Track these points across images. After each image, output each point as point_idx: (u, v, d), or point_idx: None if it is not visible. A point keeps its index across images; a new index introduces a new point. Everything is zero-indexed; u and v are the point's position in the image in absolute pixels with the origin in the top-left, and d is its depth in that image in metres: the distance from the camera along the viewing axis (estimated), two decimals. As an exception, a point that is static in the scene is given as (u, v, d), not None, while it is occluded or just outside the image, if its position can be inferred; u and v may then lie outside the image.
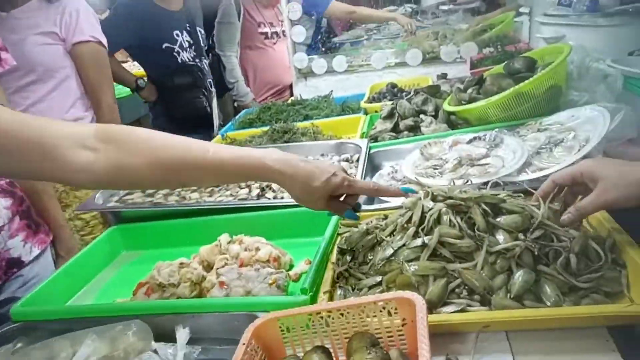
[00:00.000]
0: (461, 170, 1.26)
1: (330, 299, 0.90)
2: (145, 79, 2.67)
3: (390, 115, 1.76)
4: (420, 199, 0.93)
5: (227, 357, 0.70)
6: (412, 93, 1.84)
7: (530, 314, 0.75)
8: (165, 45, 2.53)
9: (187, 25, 2.64)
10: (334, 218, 1.13)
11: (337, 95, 2.43)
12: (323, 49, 3.10)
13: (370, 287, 0.88)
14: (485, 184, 1.11)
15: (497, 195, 0.91)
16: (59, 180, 1.14)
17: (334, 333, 0.75)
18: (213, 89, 2.81)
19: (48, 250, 1.55)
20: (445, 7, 3.09)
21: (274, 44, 3.48)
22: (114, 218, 1.46)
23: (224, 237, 1.18)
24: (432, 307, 0.79)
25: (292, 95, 3.20)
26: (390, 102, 1.87)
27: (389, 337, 0.73)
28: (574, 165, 0.88)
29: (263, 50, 3.45)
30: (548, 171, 1.13)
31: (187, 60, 2.61)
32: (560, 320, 0.74)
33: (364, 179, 1.37)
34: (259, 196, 1.41)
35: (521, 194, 0.96)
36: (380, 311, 0.72)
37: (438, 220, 0.89)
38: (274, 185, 1.43)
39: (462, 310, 0.79)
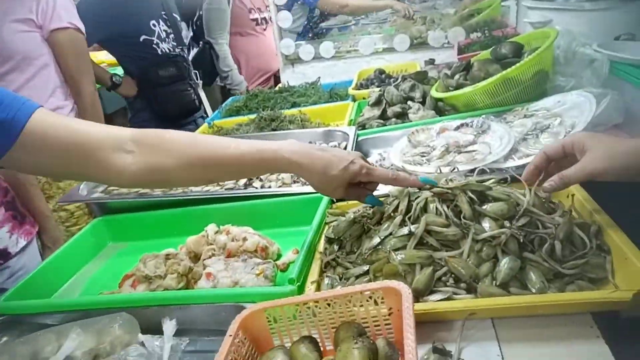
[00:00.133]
0: (448, 158, 1.26)
1: (318, 288, 0.90)
2: (120, 75, 2.50)
3: (377, 102, 1.75)
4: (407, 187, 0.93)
5: (215, 349, 0.70)
6: (399, 79, 1.83)
7: (516, 301, 0.75)
8: (143, 37, 2.38)
9: (163, 12, 2.50)
10: (321, 207, 1.13)
11: (324, 81, 2.41)
12: (310, 35, 3.07)
13: (357, 277, 0.88)
14: (472, 171, 1.12)
15: (483, 182, 0.91)
16: (101, 181, 1.27)
17: (321, 323, 0.75)
18: (200, 80, 2.74)
19: (34, 242, 1.53)
20: (433, -9, 3.06)
21: (264, 30, 3.43)
22: (99, 209, 1.44)
23: (211, 228, 1.17)
24: (418, 296, 0.80)
25: (277, 82, 3.16)
26: (378, 89, 1.85)
27: (375, 326, 0.73)
28: (565, 137, 0.88)
29: (254, 37, 3.39)
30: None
31: (168, 51, 2.49)
32: (545, 306, 0.74)
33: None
34: (246, 186, 1.40)
35: (507, 179, 0.96)
36: (367, 301, 0.72)
37: (425, 209, 0.89)
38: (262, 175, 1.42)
39: (448, 299, 0.79)
